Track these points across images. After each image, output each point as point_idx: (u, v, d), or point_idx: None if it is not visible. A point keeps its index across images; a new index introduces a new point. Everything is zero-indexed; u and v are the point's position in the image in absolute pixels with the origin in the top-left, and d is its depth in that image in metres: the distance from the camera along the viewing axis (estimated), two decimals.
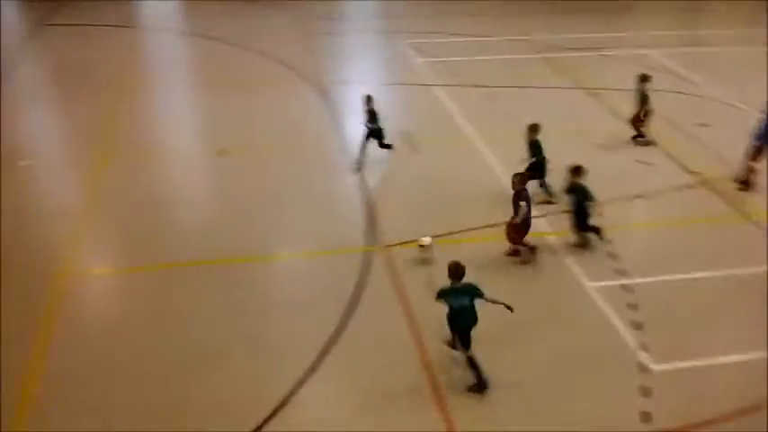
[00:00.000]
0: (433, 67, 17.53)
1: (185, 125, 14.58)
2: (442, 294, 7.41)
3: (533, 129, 11.62)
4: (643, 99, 13.52)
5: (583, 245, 10.37)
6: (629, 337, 8.53)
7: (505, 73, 16.79)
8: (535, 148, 11.60)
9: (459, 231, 10.65)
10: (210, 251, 10.08)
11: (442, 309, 7.52)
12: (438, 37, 19.51)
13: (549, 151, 11.57)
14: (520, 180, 9.80)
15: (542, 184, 11.60)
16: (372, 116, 12.27)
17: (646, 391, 7.64)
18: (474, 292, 7.32)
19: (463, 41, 19.43)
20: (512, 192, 9.87)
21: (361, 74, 17.38)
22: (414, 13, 22.21)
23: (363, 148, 12.41)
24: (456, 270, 7.29)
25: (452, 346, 7.79)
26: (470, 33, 19.99)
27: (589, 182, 11.10)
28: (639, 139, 13.75)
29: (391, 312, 8.92)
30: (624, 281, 9.64)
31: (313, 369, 7.90)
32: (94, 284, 9.57)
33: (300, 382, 7.69)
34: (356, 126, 14.09)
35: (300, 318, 8.83)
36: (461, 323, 7.45)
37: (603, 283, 9.58)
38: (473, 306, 7.35)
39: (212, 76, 16.79)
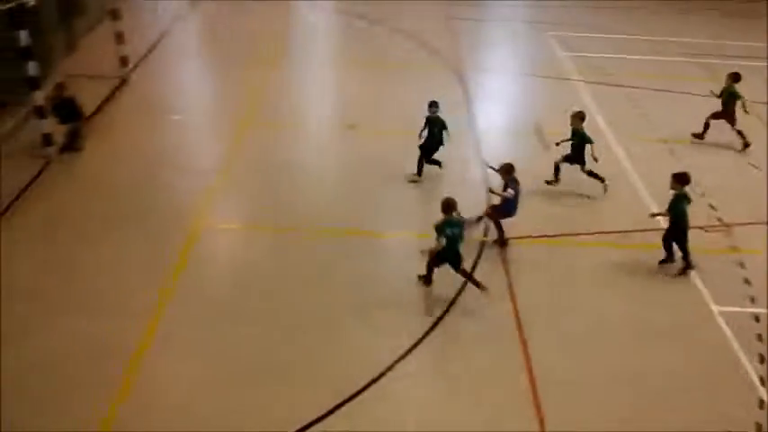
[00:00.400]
0: (575, 61, 16.94)
1: (322, 98, 15.07)
2: (440, 227, 8.40)
3: (578, 116, 11.23)
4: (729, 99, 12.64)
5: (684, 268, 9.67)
6: (751, 369, 7.95)
7: (652, 74, 15.90)
8: (577, 136, 11.20)
9: (580, 234, 10.34)
10: (331, 220, 10.43)
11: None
12: (583, 31, 18.81)
13: (694, 165, 10.88)
14: (505, 170, 9.70)
15: (584, 170, 11.29)
16: (432, 125, 11.53)
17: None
18: (460, 222, 8.58)
19: (610, 38, 18.59)
20: None
21: (501, 62, 17.12)
22: (561, 5, 21.48)
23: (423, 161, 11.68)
24: (448, 205, 8.47)
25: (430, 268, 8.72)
26: (619, 30, 19.09)
27: (735, 201, 10.45)
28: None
29: (499, 304, 8.85)
30: (755, 309, 8.97)
31: (414, 347, 8.04)
32: (222, 237, 10.20)
33: (400, 359, 7.85)
34: (488, 114, 14.02)
35: (411, 296, 8.96)
36: (453, 249, 8.53)
37: (731, 309, 8.97)
38: (461, 233, 8.58)
39: (353, 52, 17.21)
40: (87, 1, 16.32)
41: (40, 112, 11.07)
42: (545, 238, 10.22)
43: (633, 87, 15.42)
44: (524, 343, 8.22)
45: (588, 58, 17.16)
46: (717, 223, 10.73)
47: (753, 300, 9.16)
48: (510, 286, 9.21)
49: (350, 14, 19.60)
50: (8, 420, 6.79)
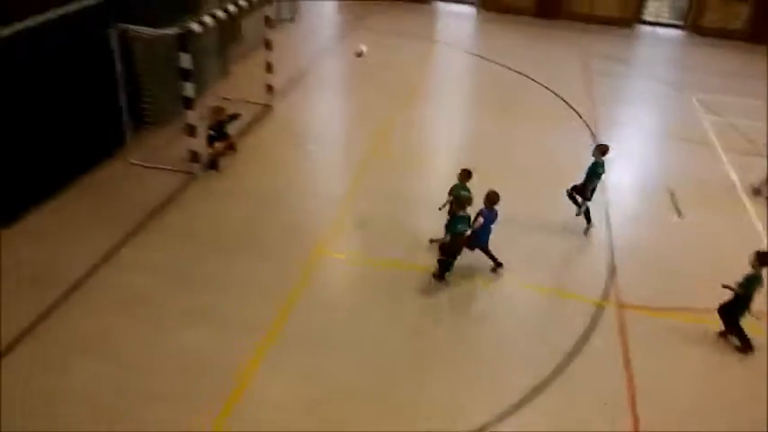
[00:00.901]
0: (719, 126, 16.13)
1: (448, 136, 15.24)
2: (451, 223, 9.58)
3: (601, 150, 10.97)
4: None
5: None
6: None
7: None
8: (595, 166, 10.96)
9: (703, 310, 9.75)
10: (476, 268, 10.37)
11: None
12: (732, 96, 17.89)
13: None
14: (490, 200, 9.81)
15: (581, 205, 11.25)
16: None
17: None
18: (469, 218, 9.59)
19: (758, 104, 17.56)
20: None
21: (637, 121, 16.60)
22: (708, 69, 20.59)
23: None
24: (461, 202, 9.50)
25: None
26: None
27: None
28: None
29: (611, 371, 8.55)
30: None
31: (518, 406, 7.93)
32: (341, 266, 10.53)
33: (504, 414, 7.75)
34: (618, 172, 13.62)
35: (520, 347, 8.90)
36: (457, 244, 9.58)
37: None
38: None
39: (487, 96, 17.33)
40: (244, 30, 17.59)
41: (190, 131, 12.00)
42: (669, 312, 9.75)
43: None
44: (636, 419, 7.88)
45: (733, 124, 16.30)
46: None
47: None
48: (626, 357, 8.86)
49: (491, 61, 19.78)
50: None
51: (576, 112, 16.31)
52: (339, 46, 20.36)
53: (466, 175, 10.41)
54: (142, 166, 12.29)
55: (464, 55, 20.73)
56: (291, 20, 21.81)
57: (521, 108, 16.55)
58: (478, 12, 25.20)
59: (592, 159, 11.09)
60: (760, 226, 12.02)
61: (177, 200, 11.56)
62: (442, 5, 25.62)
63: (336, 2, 25.27)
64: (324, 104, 16.30)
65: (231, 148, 12.87)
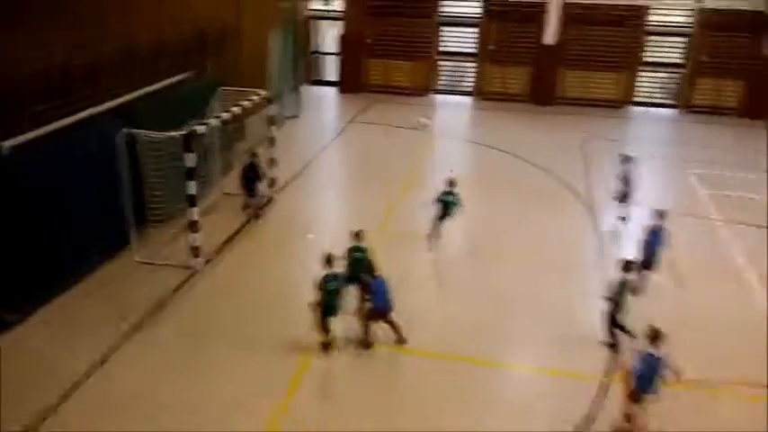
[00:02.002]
0: (716, 200, 16.32)
1: (454, 223, 15.49)
2: (322, 282, 9.83)
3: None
4: None
5: None
6: None
7: None
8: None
9: (715, 384, 9.58)
10: (451, 347, 10.44)
11: None
12: (728, 170, 18.15)
13: None
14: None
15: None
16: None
17: None
18: (339, 276, 10.06)
19: (756, 177, 17.79)
20: None
21: (637, 196, 16.79)
22: (703, 145, 20.97)
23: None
24: (328, 260, 9.98)
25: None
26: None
27: None
28: None
29: None
30: None
31: None
32: (344, 353, 10.49)
33: None
34: (616, 245, 13.69)
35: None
36: (333, 301, 9.91)
37: None
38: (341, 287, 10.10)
39: (488, 182, 17.69)
40: (249, 128, 18.34)
41: (193, 227, 12.34)
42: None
43: None
44: None
45: (730, 197, 16.48)
46: None
47: None
48: None
49: (491, 147, 20.32)
50: None
51: (576, 193, 16.59)
52: (342, 138, 21.09)
53: (356, 235, 10.85)
54: (146, 263, 12.57)
55: (463, 143, 21.35)
56: (296, 116, 22.71)
57: (521, 192, 16.86)
58: (475, 101, 26.12)
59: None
60: (760, 296, 11.94)
61: (179, 295, 11.74)
62: (439, 97, 26.59)
63: (340, 95, 26.32)
64: (325, 195, 16.74)
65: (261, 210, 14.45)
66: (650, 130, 22.99)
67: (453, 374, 9.87)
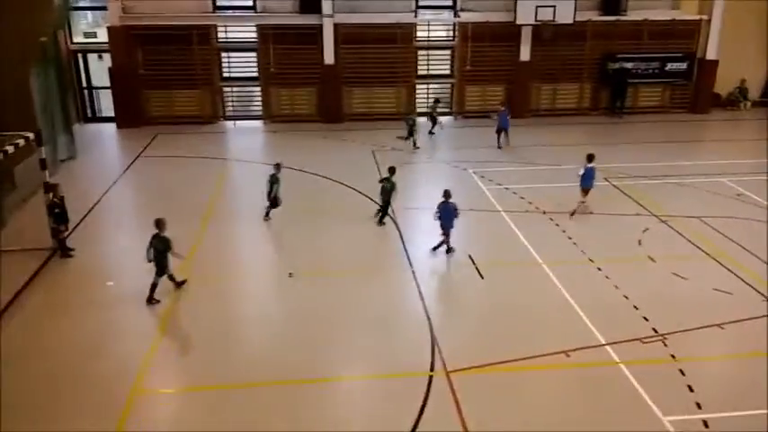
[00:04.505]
0: (498, 193, 17.89)
1: (260, 249, 15.23)
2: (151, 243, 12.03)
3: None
4: None
5: None
6: None
7: (571, 200, 16.91)
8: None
9: (528, 358, 10.46)
10: (274, 372, 10.25)
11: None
12: (503, 166, 19.99)
13: (621, 280, 11.46)
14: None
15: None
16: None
17: None
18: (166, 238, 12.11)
19: (530, 170, 19.82)
20: None
21: (431, 200, 17.84)
22: (473, 145, 22.81)
23: None
24: (158, 223, 12.00)
25: None
26: (539, 162, 20.42)
27: (666, 310, 10.98)
28: None
29: None
30: (703, 415, 9.11)
31: None
32: (161, 402, 9.78)
33: None
34: (421, 250, 14.43)
35: None
36: (160, 260, 12.13)
37: (681, 417, 9.09)
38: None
39: (289, 202, 17.61)
40: (19, 177, 16.47)
41: None
42: (493, 366, 10.27)
43: (553, 213, 16.31)
44: None
45: (508, 189, 18.15)
46: (652, 334, 11.08)
47: (699, 406, 9.32)
48: (462, 419, 9.11)
49: (285, 167, 20.28)
50: None
51: (375, 202, 17.17)
52: (129, 176, 19.76)
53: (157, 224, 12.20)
54: None
55: (257, 166, 21.12)
56: (72, 158, 20.84)
57: (324, 207, 17.06)
58: (265, 124, 26.03)
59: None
60: (551, 274, 13.28)
61: None
62: (229, 123, 26.09)
63: (119, 131, 24.63)
64: (118, 238, 15.52)
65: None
66: (436, 136, 24.50)
67: (285, 399, 9.65)
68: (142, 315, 11.97)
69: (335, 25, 24.83)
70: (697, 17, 26.39)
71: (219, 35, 25.65)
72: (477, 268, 13.54)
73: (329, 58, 25.18)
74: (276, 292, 13.22)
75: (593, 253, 14.10)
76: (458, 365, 10.27)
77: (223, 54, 25.87)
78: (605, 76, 26.59)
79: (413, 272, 13.45)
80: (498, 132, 22.20)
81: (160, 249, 12.03)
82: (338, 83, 25.67)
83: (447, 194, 13.88)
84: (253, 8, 25.37)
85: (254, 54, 25.68)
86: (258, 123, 26.19)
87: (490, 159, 20.68)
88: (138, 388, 9.82)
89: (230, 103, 26.61)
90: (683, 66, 26.80)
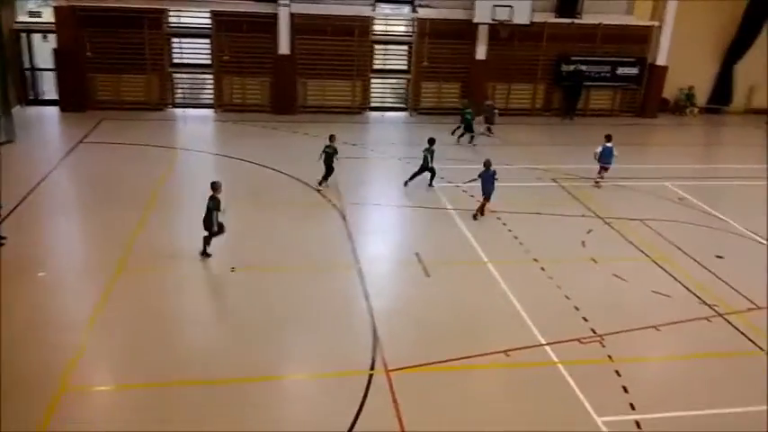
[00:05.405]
0: (448, 191, 17.89)
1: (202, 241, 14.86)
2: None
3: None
4: None
5: None
6: None
7: (520, 199, 17.04)
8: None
9: (468, 357, 10.46)
10: (214, 370, 9.98)
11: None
12: (455, 164, 19.98)
13: (563, 281, 11.58)
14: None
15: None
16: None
17: None
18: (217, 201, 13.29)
19: (481, 168, 19.82)
20: None
21: (381, 196, 17.79)
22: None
23: None
24: (214, 185, 13.26)
25: None
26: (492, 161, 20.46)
27: (605, 312, 11.12)
28: None
29: None
30: (637, 416, 9.26)
31: None
32: (92, 401, 9.45)
33: None
34: (369, 245, 14.33)
35: None
36: (209, 218, 13.34)
37: (614, 418, 9.22)
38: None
39: (235, 194, 17.22)
40: None
41: None
42: (433, 365, 10.23)
43: (501, 212, 16.40)
44: None
45: (459, 186, 18.18)
46: (590, 334, 11.21)
47: (633, 406, 9.47)
48: (400, 419, 9.04)
49: (233, 158, 19.94)
50: None
51: (325, 198, 17.00)
52: (70, 161, 19.08)
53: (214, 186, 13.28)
54: None
55: (206, 156, 20.69)
56: (10, 141, 20.03)
57: (272, 200, 16.78)
58: (216, 113, 25.51)
59: None
60: (496, 273, 13.33)
61: None
62: (178, 111, 25.48)
63: (63, 115, 23.79)
64: (55, 227, 14.96)
65: None
66: (385, 133, 24.44)
67: (222, 398, 9.41)
68: (72, 309, 11.53)
69: (292, 15, 24.45)
70: (649, 23, 26.93)
71: (171, 20, 24.99)
72: (423, 267, 13.49)
73: (284, 47, 24.80)
74: (217, 286, 12.93)
75: (538, 253, 14.21)
76: (398, 364, 10.21)
77: (174, 40, 25.21)
78: (559, 78, 26.92)
79: (359, 269, 13.31)
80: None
81: (210, 207, 13.08)
82: (292, 74, 25.32)
83: (488, 163, 16.02)
84: None
85: (207, 41, 25.11)
86: (208, 112, 25.64)
87: (442, 156, 20.63)
88: (65, 385, 9.44)
89: (180, 91, 25.99)
90: (635, 70, 27.31)
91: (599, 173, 18.74)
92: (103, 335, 10.87)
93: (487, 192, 16.01)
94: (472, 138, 22.36)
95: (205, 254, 13.43)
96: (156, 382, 9.66)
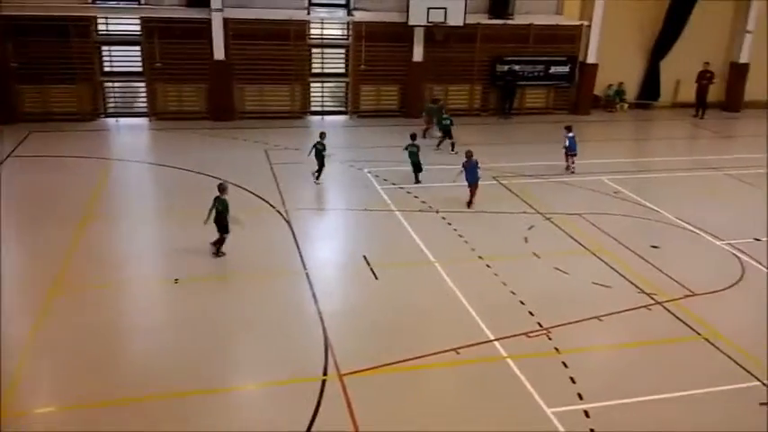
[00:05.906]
0: (392, 193, 17.98)
1: (145, 253, 14.45)
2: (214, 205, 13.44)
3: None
4: None
5: None
6: None
7: (463, 198, 17.24)
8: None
9: (420, 357, 10.52)
10: (160, 385, 9.73)
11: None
12: (397, 165, 20.09)
13: (508, 277, 11.78)
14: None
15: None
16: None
17: None
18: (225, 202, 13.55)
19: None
20: None
21: (325, 201, 17.73)
22: (369, 144, 22.86)
23: None
24: (222, 187, 13.61)
25: None
26: (431, 161, 20.66)
27: (550, 305, 11.34)
28: None
29: None
30: (584, 405, 9.50)
31: None
32: (34, 424, 9.04)
33: None
34: (316, 250, 14.26)
35: None
36: (222, 220, 13.54)
37: (564, 409, 9.43)
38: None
39: (175, 204, 16.89)
40: None
41: None
42: (386, 367, 10.25)
43: (446, 211, 16.59)
44: None
45: (402, 188, 18.30)
46: (537, 328, 11.45)
47: (581, 396, 9.71)
48: (354, 422, 9.02)
49: (173, 167, 19.48)
50: None
51: (268, 203, 16.82)
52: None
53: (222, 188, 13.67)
54: None
55: (141, 166, 20.16)
56: None
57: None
58: (150, 121, 24.88)
59: None
60: (443, 272, 13.46)
61: None
62: (111, 120, 24.74)
63: None
64: None
65: None
66: (327, 136, 24.26)
67: (173, 412, 9.18)
68: (5, 333, 11.03)
69: (225, 20, 24.09)
70: (578, 22, 27.73)
71: (100, 27, 24.25)
72: (371, 269, 13.51)
73: (219, 53, 24.40)
74: (161, 299, 12.59)
75: (482, 250, 14.43)
76: (351, 368, 10.18)
77: (104, 48, 24.49)
78: (495, 78, 27.42)
79: (306, 274, 13.22)
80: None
81: (220, 210, 13.35)
82: (229, 79, 24.95)
83: (469, 154, 16.89)
84: (136, 0, 24.17)
85: (137, 48, 24.48)
86: (143, 121, 24.99)
87: (385, 159, 20.75)
88: (5, 410, 9.02)
89: (112, 100, 25.26)
90: (566, 69, 28.06)
91: (568, 161, 20.28)
92: (44, 355, 10.43)
93: (474, 180, 16.81)
94: (453, 145, 21.75)
95: (218, 253, 13.75)
96: (104, 401, 9.32)
